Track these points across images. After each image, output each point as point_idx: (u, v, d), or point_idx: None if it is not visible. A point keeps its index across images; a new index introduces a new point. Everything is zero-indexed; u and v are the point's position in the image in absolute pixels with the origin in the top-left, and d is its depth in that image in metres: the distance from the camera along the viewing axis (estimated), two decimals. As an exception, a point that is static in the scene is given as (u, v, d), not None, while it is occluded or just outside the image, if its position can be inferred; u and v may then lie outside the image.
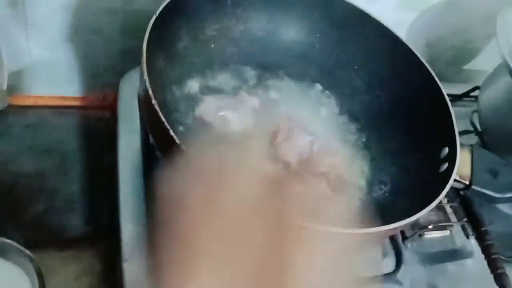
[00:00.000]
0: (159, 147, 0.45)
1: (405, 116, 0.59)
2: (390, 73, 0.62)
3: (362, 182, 0.57)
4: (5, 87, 0.66)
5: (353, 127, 0.62)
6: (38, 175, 0.65)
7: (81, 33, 0.65)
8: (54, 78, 0.70)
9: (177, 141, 0.40)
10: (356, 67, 0.64)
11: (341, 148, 0.59)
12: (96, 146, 0.69)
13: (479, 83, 0.92)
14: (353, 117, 0.63)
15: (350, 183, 0.56)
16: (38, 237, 0.60)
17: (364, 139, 0.61)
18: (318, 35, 0.63)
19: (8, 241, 0.52)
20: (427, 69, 0.58)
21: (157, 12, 0.48)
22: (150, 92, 0.41)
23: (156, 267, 0.29)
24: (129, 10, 0.64)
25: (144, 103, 0.43)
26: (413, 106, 0.59)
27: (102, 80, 0.73)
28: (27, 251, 0.52)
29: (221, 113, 0.55)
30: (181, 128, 0.53)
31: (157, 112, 0.40)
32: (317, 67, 0.64)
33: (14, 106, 0.69)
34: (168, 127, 0.40)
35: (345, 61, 0.64)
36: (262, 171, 0.51)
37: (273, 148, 0.52)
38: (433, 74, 0.58)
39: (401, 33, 0.61)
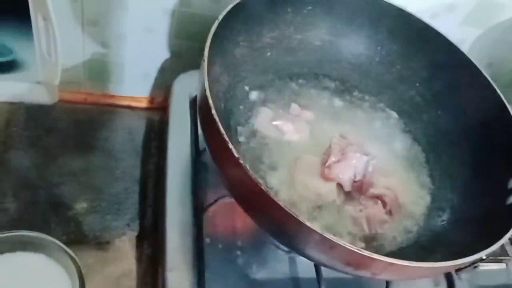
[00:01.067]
0: (215, 157, 0.43)
1: (469, 139, 0.56)
2: (454, 92, 0.59)
3: (420, 208, 0.53)
4: (57, 82, 0.66)
5: (412, 147, 0.59)
6: (83, 172, 0.64)
7: (136, 32, 0.64)
8: (104, 76, 0.70)
9: (236, 155, 0.38)
10: (417, 84, 0.60)
11: (398, 169, 0.56)
12: (143, 147, 0.68)
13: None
14: (412, 136, 0.60)
15: (407, 207, 0.53)
16: (80, 235, 0.59)
17: (423, 161, 0.58)
18: (379, 48, 0.61)
19: (51, 238, 0.52)
20: (495, 90, 0.55)
21: (220, 18, 0.46)
22: (211, 101, 0.40)
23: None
24: (185, 12, 0.63)
25: (203, 112, 0.42)
26: (478, 129, 0.56)
27: (151, 81, 0.72)
28: (69, 250, 0.51)
29: (275, 122, 0.54)
30: (236, 137, 0.52)
31: (216, 123, 0.39)
32: (376, 81, 0.61)
33: (63, 101, 0.69)
34: (227, 139, 0.38)
35: (406, 77, 0.61)
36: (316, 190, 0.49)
37: (327, 168, 0.50)
38: (502, 96, 0.54)
39: (463, 50, 0.58)
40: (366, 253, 0.36)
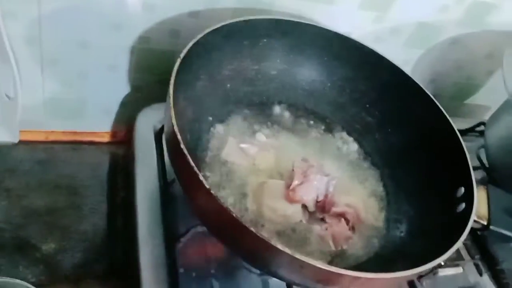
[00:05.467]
0: (185, 189, 0.45)
1: (418, 154, 0.60)
2: (401, 110, 0.63)
3: (379, 222, 0.57)
4: (17, 122, 0.66)
5: (367, 165, 0.63)
6: (49, 212, 0.64)
7: (96, 70, 0.65)
8: (65, 113, 0.70)
9: (207, 186, 0.40)
10: (367, 105, 0.65)
11: (357, 187, 0.59)
12: (108, 183, 0.69)
13: (480, 117, 0.94)
14: (367, 155, 0.64)
15: (368, 222, 0.56)
16: (50, 276, 0.59)
17: (379, 177, 0.62)
18: (330, 74, 0.65)
19: (21, 282, 0.51)
20: (437, 106, 0.59)
21: (181, 56, 0.48)
22: (179, 137, 0.41)
23: None
24: (144, 49, 0.65)
25: (172, 146, 0.44)
26: (425, 144, 0.60)
27: (113, 115, 0.73)
28: (40, 294, 0.51)
29: (242, 145, 0.56)
30: (204, 166, 0.53)
31: (186, 157, 0.41)
32: (330, 105, 0.65)
33: (25, 141, 0.69)
34: (198, 171, 0.40)
35: (356, 100, 0.65)
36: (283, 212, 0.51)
37: (291, 191, 0.52)
38: (444, 112, 0.59)
39: (407, 70, 0.63)
40: (334, 269, 0.39)
